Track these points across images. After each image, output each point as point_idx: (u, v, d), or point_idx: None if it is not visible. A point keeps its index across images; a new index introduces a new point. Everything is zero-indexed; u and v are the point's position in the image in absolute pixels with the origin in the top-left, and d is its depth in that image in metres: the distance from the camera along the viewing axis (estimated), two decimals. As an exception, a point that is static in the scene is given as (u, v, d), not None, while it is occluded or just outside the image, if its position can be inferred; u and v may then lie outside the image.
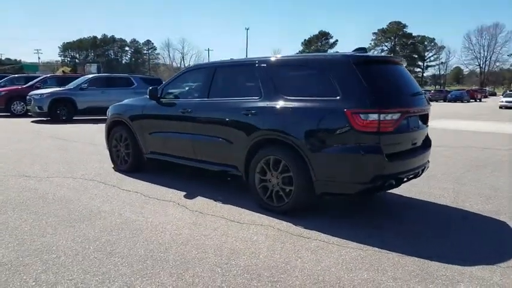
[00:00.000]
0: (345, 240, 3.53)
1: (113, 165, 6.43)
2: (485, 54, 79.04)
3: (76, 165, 6.57)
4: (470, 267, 3.01)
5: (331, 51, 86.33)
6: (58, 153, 7.76)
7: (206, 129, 4.88)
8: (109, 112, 6.41)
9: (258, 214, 4.22)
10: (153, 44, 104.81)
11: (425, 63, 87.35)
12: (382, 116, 3.59)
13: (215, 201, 4.69)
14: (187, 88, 5.69)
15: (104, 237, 3.57)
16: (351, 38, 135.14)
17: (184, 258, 3.15)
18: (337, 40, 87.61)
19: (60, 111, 13.63)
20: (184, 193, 4.99)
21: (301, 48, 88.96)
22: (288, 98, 4.15)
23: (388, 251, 3.29)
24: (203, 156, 5.00)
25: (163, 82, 5.65)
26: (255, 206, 4.43)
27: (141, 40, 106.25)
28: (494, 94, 73.06)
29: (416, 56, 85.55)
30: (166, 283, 2.76)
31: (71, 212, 4.25)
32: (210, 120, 4.84)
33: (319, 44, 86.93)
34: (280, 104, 4.17)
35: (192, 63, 70.83)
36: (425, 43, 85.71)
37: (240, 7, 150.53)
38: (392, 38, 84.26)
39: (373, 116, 3.58)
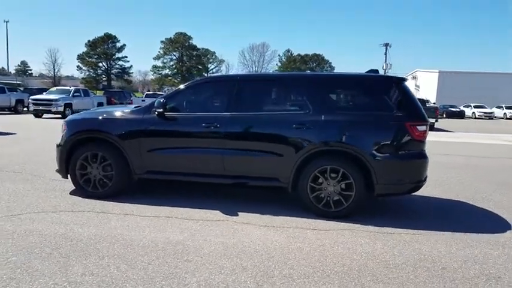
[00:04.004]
0: (417, 230, 4.37)
1: (74, 191, 5.29)
2: (256, 69, 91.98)
3: (22, 199, 5.08)
4: (503, 234, 4.39)
5: (119, 55, 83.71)
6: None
7: (244, 144, 4.83)
8: (70, 128, 5.23)
9: (320, 221, 4.56)
10: None
11: (208, 74, 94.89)
12: (427, 127, 4.65)
13: (262, 214, 4.73)
14: (199, 101, 5.30)
15: (245, 262, 3.33)
16: (140, 42, 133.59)
17: (348, 268, 3.38)
18: (124, 44, 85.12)
19: None
20: (217, 211, 4.78)
21: (85, 49, 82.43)
22: (343, 112, 4.71)
23: (453, 232, 4.33)
24: (237, 171, 4.90)
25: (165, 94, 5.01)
26: (303, 213, 4.74)
27: None
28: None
29: (201, 67, 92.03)
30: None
31: (146, 249, 3.60)
32: (250, 134, 4.83)
33: (106, 46, 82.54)
34: (337, 117, 4.65)
35: None
36: (208, 56, 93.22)
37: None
38: (179, 48, 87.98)
39: (423, 127, 4.60)
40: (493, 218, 5.02)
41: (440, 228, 4.43)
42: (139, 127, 5.04)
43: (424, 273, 3.29)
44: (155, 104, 4.97)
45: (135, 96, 33.64)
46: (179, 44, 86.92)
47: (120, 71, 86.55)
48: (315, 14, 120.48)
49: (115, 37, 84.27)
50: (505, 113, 41.10)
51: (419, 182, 4.71)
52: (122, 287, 2.89)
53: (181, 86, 5.34)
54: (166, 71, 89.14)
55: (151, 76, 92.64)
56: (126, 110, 5.30)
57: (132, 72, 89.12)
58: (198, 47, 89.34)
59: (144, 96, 32.74)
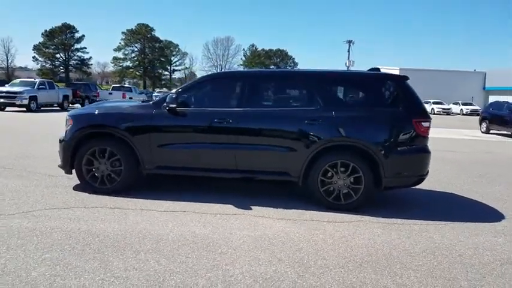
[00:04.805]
0: (423, 220, 4.65)
1: (77, 187, 5.18)
2: (221, 63, 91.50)
3: (26, 195, 4.93)
4: (500, 222, 4.77)
5: (78, 46, 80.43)
6: None
7: (256, 139, 4.92)
8: (76, 123, 5.09)
9: (331, 213, 4.73)
10: None
11: (172, 67, 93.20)
12: (430, 123, 4.94)
13: (275, 208, 4.84)
14: (211, 96, 5.30)
15: (279, 254, 3.45)
16: (100, 34, 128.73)
17: (375, 258, 3.58)
18: (83, 35, 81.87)
19: None
20: (231, 206, 4.85)
21: (41, 39, 78.49)
22: (352, 108, 4.91)
23: (454, 222, 4.65)
24: (249, 166, 4.97)
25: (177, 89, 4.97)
26: (312, 206, 4.90)
27: None
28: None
29: (164, 60, 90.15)
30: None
31: (177, 242, 3.63)
32: (262, 130, 4.92)
33: (64, 37, 79.03)
34: (347, 113, 4.85)
35: None
36: (171, 48, 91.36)
37: None
38: (141, 39, 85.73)
39: (427, 124, 4.89)
40: (483, 208, 5.42)
41: (442, 219, 4.73)
42: (150, 122, 5.00)
43: (445, 260, 3.55)
44: (167, 99, 4.94)
45: (101, 89, 32.55)
46: (141, 35, 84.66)
47: (78, 62, 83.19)
48: (279, 10, 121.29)
49: (74, 27, 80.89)
50: (461, 109, 43.47)
51: (423, 175, 4.99)
52: (169, 280, 2.92)
53: (193, 82, 5.34)
54: (128, 63, 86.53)
55: (111, 68, 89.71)
56: (134, 105, 5.23)
57: (91, 64, 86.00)
58: (161, 39, 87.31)
59: (110, 89, 31.73)
